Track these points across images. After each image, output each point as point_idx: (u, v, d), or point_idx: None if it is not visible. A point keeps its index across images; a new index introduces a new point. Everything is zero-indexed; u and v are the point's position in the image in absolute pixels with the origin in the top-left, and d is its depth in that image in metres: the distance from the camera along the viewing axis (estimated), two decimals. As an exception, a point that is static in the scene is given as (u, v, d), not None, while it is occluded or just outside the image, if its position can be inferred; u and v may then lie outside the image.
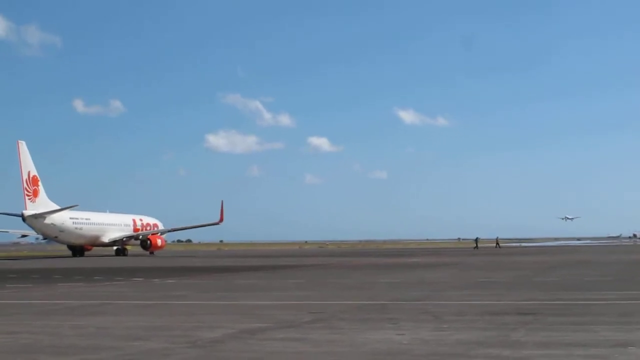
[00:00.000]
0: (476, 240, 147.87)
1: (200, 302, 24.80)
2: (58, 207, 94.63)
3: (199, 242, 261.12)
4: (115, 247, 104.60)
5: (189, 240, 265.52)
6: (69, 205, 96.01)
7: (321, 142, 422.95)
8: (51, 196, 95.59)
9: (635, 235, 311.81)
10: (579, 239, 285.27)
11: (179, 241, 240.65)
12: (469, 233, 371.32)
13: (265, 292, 29.05)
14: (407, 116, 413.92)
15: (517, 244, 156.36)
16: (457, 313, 19.53)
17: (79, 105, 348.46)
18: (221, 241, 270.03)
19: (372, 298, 24.98)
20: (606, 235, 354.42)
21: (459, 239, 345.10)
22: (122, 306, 23.41)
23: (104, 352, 13.39)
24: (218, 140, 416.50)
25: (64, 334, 16.22)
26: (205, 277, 41.21)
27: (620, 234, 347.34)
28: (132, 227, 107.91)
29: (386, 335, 15.31)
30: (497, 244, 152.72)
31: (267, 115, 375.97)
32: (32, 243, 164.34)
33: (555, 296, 24.98)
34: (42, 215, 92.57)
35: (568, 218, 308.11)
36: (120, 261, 76.35)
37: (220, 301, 24.82)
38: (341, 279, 38.27)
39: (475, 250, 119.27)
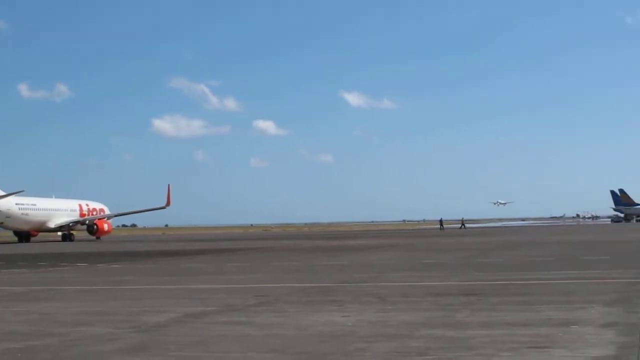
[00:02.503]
0: (440, 221, 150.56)
1: (145, 286, 24.73)
2: (4, 193, 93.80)
3: (144, 227, 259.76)
4: (61, 233, 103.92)
5: (134, 225, 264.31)
6: (15, 191, 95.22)
7: (267, 126, 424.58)
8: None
9: (578, 215, 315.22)
10: (522, 220, 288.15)
11: (124, 226, 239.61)
12: (413, 215, 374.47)
13: (210, 276, 29.07)
14: (353, 99, 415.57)
15: (461, 226, 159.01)
16: (401, 295, 19.66)
17: (23, 89, 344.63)
18: (166, 225, 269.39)
19: (316, 281, 25.09)
20: (549, 216, 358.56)
21: (404, 220, 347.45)
22: (67, 292, 23.27)
23: (48, 338, 13.31)
24: (164, 125, 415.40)
25: (7, 320, 16.10)
26: (150, 262, 41.05)
27: (564, 214, 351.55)
28: (78, 212, 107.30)
29: (331, 317, 15.37)
30: (463, 224, 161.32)
31: (213, 99, 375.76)
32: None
33: (498, 277, 25.28)
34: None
35: (500, 203, 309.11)
36: (66, 246, 75.84)
37: (165, 285, 24.77)
38: (286, 262, 38.34)
39: (441, 231, 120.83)
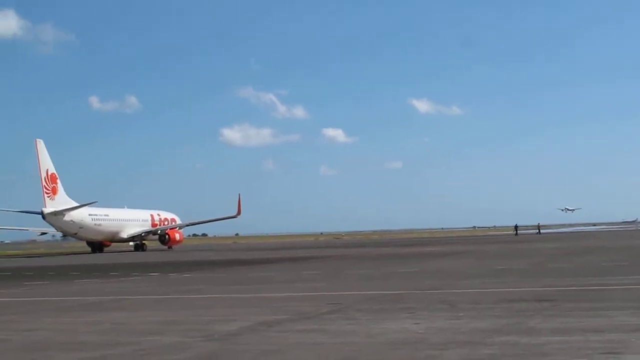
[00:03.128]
0: (515, 226, 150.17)
1: (216, 295, 24.82)
2: (77, 204, 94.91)
3: (215, 236, 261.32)
4: (133, 243, 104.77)
5: (204, 234, 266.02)
6: (87, 202, 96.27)
7: (336, 134, 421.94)
8: (70, 193, 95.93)
9: None
10: (594, 225, 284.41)
11: (194, 235, 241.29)
12: (483, 221, 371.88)
13: (282, 284, 29.06)
14: (422, 106, 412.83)
15: (536, 231, 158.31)
16: (473, 301, 19.47)
17: (94, 101, 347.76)
18: (237, 234, 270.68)
19: (387, 288, 24.97)
20: (621, 220, 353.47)
21: (474, 227, 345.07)
22: (138, 301, 23.44)
23: (120, 347, 13.40)
24: (233, 134, 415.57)
25: (79, 331, 16.26)
26: (222, 271, 41.24)
27: (637, 219, 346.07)
28: (150, 223, 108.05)
29: (403, 324, 15.29)
30: (539, 229, 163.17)
31: (282, 108, 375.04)
32: (48, 240, 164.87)
33: (571, 282, 24.91)
34: (61, 213, 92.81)
35: (568, 209, 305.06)
36: (138, 256, 76.45)
37: (237, 294, 24.83)
38: (357, 269, 38.23)
39: (515, 237, 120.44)
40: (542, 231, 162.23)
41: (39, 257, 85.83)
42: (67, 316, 19.36)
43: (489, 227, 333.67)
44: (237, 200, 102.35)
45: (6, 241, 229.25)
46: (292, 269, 40.82)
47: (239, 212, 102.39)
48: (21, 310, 21.53)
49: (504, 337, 13.03)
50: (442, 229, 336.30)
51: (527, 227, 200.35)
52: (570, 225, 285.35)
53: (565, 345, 11.97)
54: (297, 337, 14.06)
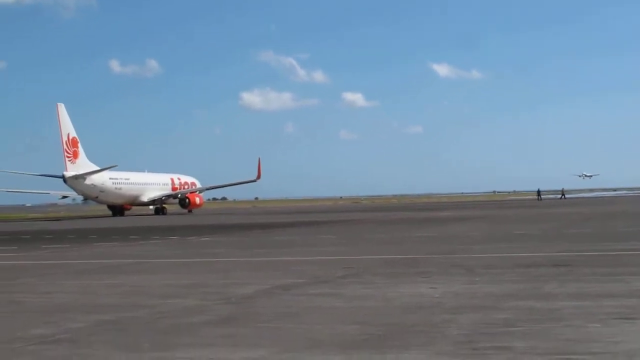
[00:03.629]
0: (538, 191, 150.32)
1: (234, 259, 24.96)
2: (98, 168, 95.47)
3: (234, 200, 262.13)
4: (154, 207, 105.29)
5: (224, 198, 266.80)
6: (108, 166, 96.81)
7: (356, 98, 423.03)
8: (90, 157, 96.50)
9: None
10: (614, 190, 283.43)
11: (214, 199, 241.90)
12: (502, 187, 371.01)
13: (299, 248, 29.22)
14: (442, 70, 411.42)
15: (560, 196, 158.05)
16: (489, 266, 19.52)
17: (115, 65, 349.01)
18: (256, 198, 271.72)
19: (404, 252, 25.04)
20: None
21: (494, 191, 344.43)
22: (157, 265, 23.63)
23: (139, 310, 13.54)
24: (252, 98, 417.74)
25: (98, 293, 16.42)
26: (241, 235, 41.47)
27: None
28: (170, 186, 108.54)
29: (418, 289, 15.36)
30: (563, 194, 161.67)
31: (301, 72, 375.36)
32: (69, 204, 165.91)
33: (589, 247, 24.94)
34: (82, 176, 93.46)
35: (586, 175, 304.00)
36: (158, 220, 76.81)
37: (255, 258, 24.95)
38: (374, 234, 38.36)
39: (538, 202, 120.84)
40: (566, 196, 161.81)
41: (59, 220, 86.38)
42: (86, 279, 19.56)
43: (508, 192, 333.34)
44: (257, 164, 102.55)
45: (27, 204, 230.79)
46: (309, 233, 41.01)
47: (258, 176, 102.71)
48: (40, 273, 21.78)
49: (519, 302, 13.10)
50: (462, 193, 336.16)
51: (550, 192, 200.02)
52: (590, 190, 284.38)
53: (580, 310, 12.03)
54: (312, 301, 14.18)
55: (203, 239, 37.82)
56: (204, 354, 9.58)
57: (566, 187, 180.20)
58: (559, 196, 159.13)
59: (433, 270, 18.75)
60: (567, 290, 14.50)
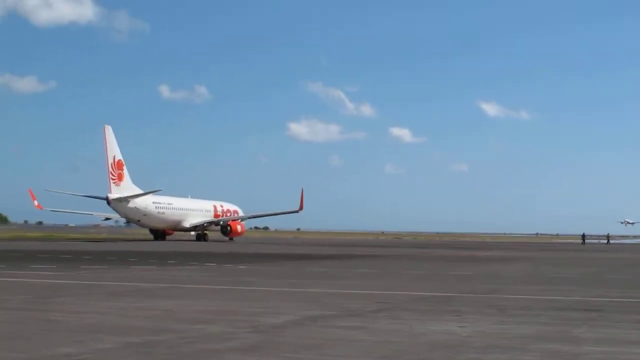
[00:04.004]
0: (583, 235, 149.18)
1: (268, 288, 25.01)
2: (142, 192, 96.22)
3: (276, 230, 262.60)
4: (195, 232, 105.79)
5: (266, 228, 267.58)
6: (152, 190, 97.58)
7: (403, 133, 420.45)
8: (135, 180, 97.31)
9: None
10: None
11: (256, 228, 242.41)
12: (544, 229, 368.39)
13: (335, 280, 29.20)
14: (491, 109, 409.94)
15: (605, 241, 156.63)
16: (522, 307, 19.43)
17: (164, 90, 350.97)
18: (298, 229, 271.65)
19: (440, 290, 24.94)
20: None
21: (537, 234, 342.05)
22: (191, 290, 23.73)
23: (167, 334, 13.63)
24: (300, 128, 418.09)
25: (130, 315, 16.55)
26: (278, 264, 41.54)
27: None
28: (212, 213, 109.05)
29: (447, 326, 15.33)
30: (608, 239, 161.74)
31: (350, 105, 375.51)
32: (111, 226, 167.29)
33: (625, 294, 24.71)
34: (126, 199, 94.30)
35: (628, 222, 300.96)
36: (198, 246, 77.10)
37: (289, 288, 25.01)
38: (412, 270, 38.28)
39: (582, 246, 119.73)
40: (611, 241, 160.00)
41: (100, 241, 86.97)
42: (120, 301, 19.66)
43: (551, 235, 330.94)
44: (300, 195, 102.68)
45: (71, 224, 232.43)
46: (347, 266, 41.00)
47: (301, 207, 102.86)
48: (76, 292, 21.95)
49: (546, 345, 13.03)
50: (505, 234, 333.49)
51: (594, 237, 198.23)
52: (635, 237, 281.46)
53: (605, 356, 11.95)
54: (339, 333, 14.18)
55: (240, 267, 37.94)
56: (225, 380, 9.64)
57: (611, 233, 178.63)
58: (604, 241, 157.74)
59: (465, 309, 18.68)
60: (595, 335, 14.39)
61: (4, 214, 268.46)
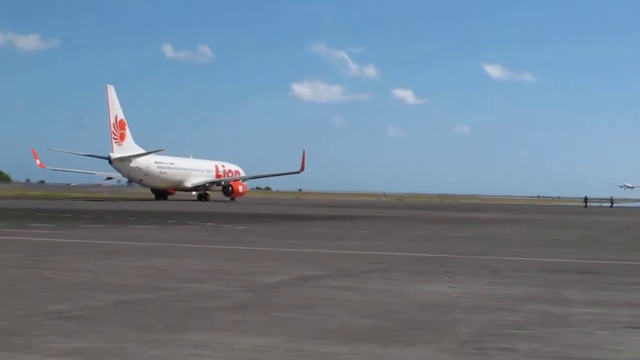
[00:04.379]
0: (585, 198, 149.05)
1: (266, 248, 25.14)
2: (144, 151, 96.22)
3: (278, 190, 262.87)
4: (197, 192, 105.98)
5: (267, 188, 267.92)
6: (154, 150, 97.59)
7: (406, 95, 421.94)
8: (137, 140, 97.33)
9: None
10: None
11: (257, 188, 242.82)
12: (546, 191, 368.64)
13: (333, 241, 29.31)
14: (494, 71, 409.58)
15: (610, 204, 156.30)
16: (515, 269, 19.54)
17: (168, 50, 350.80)
18: (300, 190, 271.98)
19: (435, 251, 25.07)
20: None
21: (538, 196, 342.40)
22: (188, 249, 23.86)
23: (157, 292, 13.75)
24: (303, 89, 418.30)
25: (124, 274, 16.66)
26: (277, 225, 41.73)
27: None
28: (214, 173, 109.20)
29: (439, 287, 15.45)
30: (612, 202, 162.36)
31: (353, 66, 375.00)
32: (113, 185, 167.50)
33: (622, 257, 24.78)
34: (128, 159, 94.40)
35: (628, 186, 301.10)
36: (199, 206, 77.34)
37: (286, 248, 25.14)
38: (410, 231, 38.42)
39: (584, 209, 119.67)
40: (614, 205, 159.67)
41: (101, 201, 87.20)
42: (115, 260, 19.79)
43: (553, 198, 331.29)
44: (302, 155, 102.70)
45: (73, 184, 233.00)
46: (346, 227, 41.19)
47: (302, 168, 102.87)
48: (72, 251, 22.09)
49: (535, 306, 13.13)
50: (507, 196, 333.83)
51: (597, 200, 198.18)
52: (637, 200, 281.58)
53: (593, 317, 12.03)
54: (330, 293, 14.31)
55: (239, 227, 38.10)
56: (212, 337, 9.74)
57: (615, 196, 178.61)
58: (608, 204, 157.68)
59: (458, 270, 18.79)
60: (585, 297, 14.51)
61: (6, 172, 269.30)
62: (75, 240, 26.28)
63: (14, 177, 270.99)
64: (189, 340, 9.57)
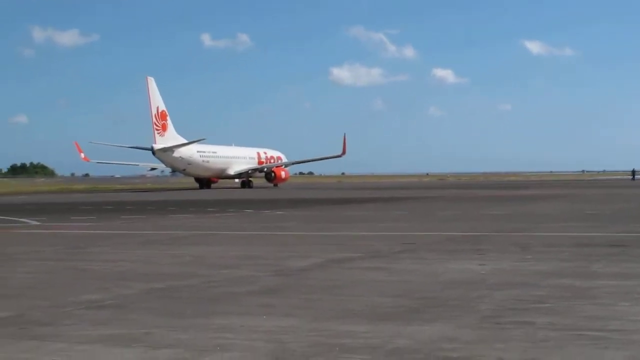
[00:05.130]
0: (633, 171, 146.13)
1: (301, 232, 25.45)
2: (186, 141, 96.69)
3: (321, 175, 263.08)
4: (240, 180, 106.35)
5: (310, 173, 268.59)
6: (196, 139, 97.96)
7: (446, 74, 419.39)
8: (179, 130, 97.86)
9: None
10: None
11: (300, 173, 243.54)
12: (591, 166, 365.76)
13: (368, 223, 29.55)
14: (535, 47, 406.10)
15: None
16: (546, 245, 19.68)
17: (206, 39, 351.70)
18: (343, 173, 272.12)
19: (469, 230, 25.25)
20: None
21: (582, 171, 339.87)
22: (224, 237, 24.22)
23: (191, 279, 14.10)
24: (342, 73, 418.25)
25: (160, 263, 17.03)
26: (316, 209, 41.99)
27: None
28: (256, 160, 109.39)
29: (468, 265, 15.63)
30: None
31: (392, 48, 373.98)
32: (157, 176, 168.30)
33: (656, 229, 24.79)
34: (170, 149, 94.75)
35: None
36: (241, 193, 77.69)
37: (321, 232, 25.43)
38: (447, 210, 38.43)
39: (631, 182, 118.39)
40: None
41: (144, 192, 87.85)
42: (152, 249, 20.21)
43: (598, 172, 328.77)
44: (343, 139, 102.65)
45: (117, 176, 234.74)
46: (384, 209, 41.42)
47: (344, 152, 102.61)
48: (113, 242, 22.55)
49: (560, 280, 13.30)
50: (551, 172, 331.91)
51: None
52: None
53: (615, 289, 12.18)
54: (360, 274, 14.57)
55: (277, 212, 38.43)
56: (238, 321, 10.03)
57: None
58: None
59: (490, 248, 18.97)
60: (611, 270, 14.66)
61: (51, 167, 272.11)
62: (115, 232, 26.76)
63: (58, 171, 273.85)
64: (216, 324, 9.87)
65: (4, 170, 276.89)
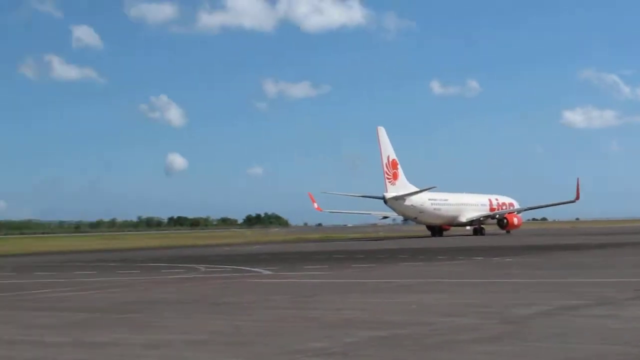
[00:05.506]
0: None
1: (527, 280, 25.19)
2: (417, 189, 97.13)
3: (554, 220, 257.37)
4: (472, 227, 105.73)
5: (544, 219, 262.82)
6: (427, 187, 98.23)
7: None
8: (409, 178, 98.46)
9: None
10: None
11: (533, 219, 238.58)
12: None
13: (597, 270, 28.95)
14: None
15: None
16: None
17: (435, 86, 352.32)
18: (577, 219, 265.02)
19: None
20: None
21: None
22: (452, 284, 24.26)
23: (415, 327, 14.26)
24: (574, 116, 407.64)
25: (386, 310, 17.30)
26: (545, 256, 41.25)
27: None
28: (488, 207, 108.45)
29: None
30: None
31: (625, 89, 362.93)
32: (389, 224, 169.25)
33: None
34: (402, 197, 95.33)
35: None
36: (472, 240, 77.19)
37: (548, 279, 25.12)
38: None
39: None
40: None
41: (376, 240, 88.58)
42: (379, 297, 20.61)
43: None
44: (576, 184, 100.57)
45: (349, 225, 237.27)
46: (614, 255, 40.46)
47: (577, 197, 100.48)
48: (339, 291, 22.99)
49: None
50: None
51: None
52: None
53: None
54: (586, 322, 14.36)
55: (507, 259, 38.03)
56: (459, 369, 10.14)
57: None
58: None
59: None
60: None
61: (285, 217, 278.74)
62: (344, 280, 27.26)
63: (292, 221, 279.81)
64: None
65: (240, 221, 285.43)
